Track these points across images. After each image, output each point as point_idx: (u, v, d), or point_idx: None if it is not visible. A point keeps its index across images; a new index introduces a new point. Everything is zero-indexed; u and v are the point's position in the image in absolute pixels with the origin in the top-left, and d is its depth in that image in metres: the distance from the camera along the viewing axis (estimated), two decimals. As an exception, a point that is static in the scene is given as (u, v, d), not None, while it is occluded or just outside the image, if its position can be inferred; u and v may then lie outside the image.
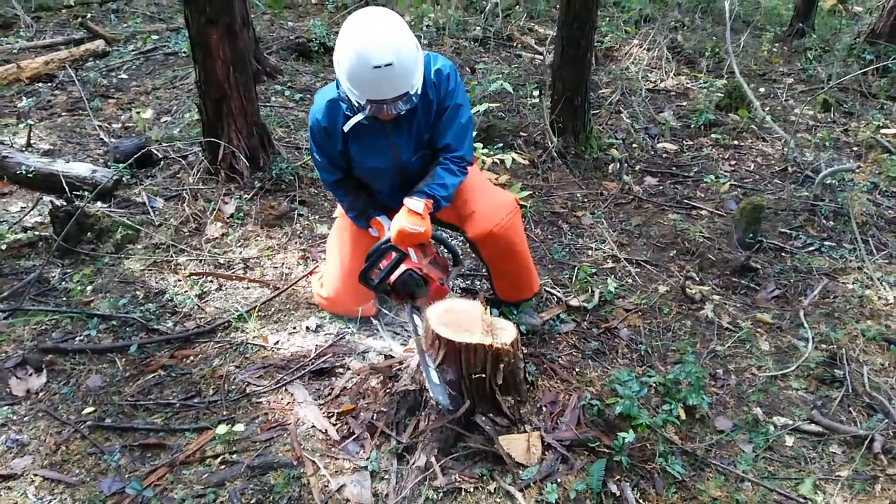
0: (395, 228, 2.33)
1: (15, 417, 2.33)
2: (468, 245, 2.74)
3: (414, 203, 2.33)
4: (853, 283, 3.30)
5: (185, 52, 6.09)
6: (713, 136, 5.14)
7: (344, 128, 2.31)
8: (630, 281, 3.30)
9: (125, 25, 7.14)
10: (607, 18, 7.82)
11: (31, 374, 2.51)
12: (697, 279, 3.34)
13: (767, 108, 5.62)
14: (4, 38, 6.63)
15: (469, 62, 6.25)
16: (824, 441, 2.38)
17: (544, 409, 2.36)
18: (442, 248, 2.56)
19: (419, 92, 2.19)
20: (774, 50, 7.52)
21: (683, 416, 2.35)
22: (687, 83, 6.31)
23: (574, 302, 3.05)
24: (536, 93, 5.26)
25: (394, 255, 2.35)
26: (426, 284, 2.37)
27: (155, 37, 6.74)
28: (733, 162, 4.80)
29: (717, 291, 3.25)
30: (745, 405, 2.54)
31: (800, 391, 2.63)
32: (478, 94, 5.11)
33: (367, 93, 2.12)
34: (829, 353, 2.80)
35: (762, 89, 6.26)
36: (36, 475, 2.10)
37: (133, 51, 6.36)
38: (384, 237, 2.39)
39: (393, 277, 2.36)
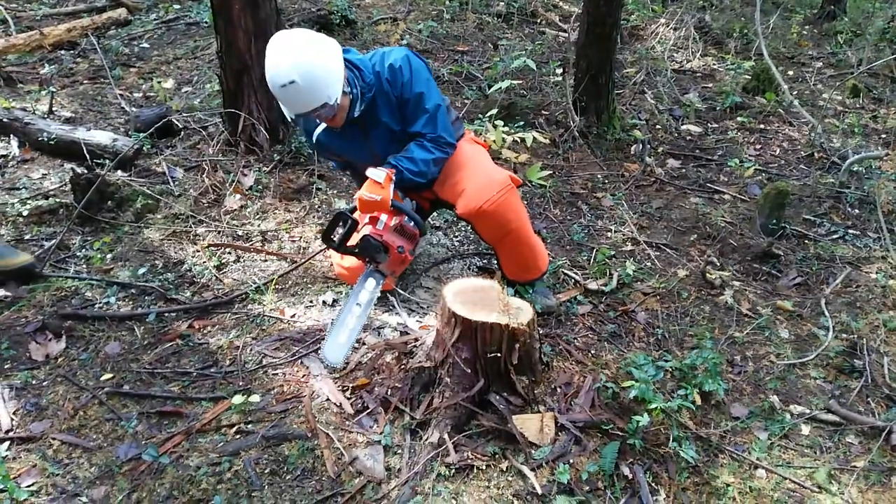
0: (358, 196, 2.45)
1: (34, 382, 2.36)
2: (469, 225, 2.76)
3: (375, 172, 2.44)
4: (876, 273, 3.24)
5: (206, 22, 6.06)
6: (739, 119, 5.05)
7: (313, 136, 2.65)
8: (649, 264, 3.27)
9: (147, -6, 7.11)
10: (634, -4, 7.67)
11: (50, 340, 2.54)
12: (718, 264, 3.29)
13: (795, 92, 5.51)
14: (28, 5, 6.64)
15: (492, 38, 6.17)
16: (841, 431, 2.35)
17: (559, 389, 2.36)
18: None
19: (338, 102, 2.32)
20: (804, 33, 7.36)
21: (699, 402, 2.34)
22: (714, 64, 6.19)
23: (592, 285, 3.02)
24: (560, 71, 5.18)
25: (349, 220, 2.47)
26: (385, 251, 2.46)
27: (177, 6, 6.72)
28: (758, 146, 4.72)
29: (738, 277, 3.21)
30: (762, 393, 2.52)
31: (818, 380, 2.60)
32: (500, 71, 5.06)
33: (287, 108, 2.39)
34: (850, 342, 2.76)
35: (790, 72, 6.13)
36: (54, 439, 2.13)
37: (155, 20, 6.35)
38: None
39: (353, 241, 2.49)
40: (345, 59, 2.39)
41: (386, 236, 2.45)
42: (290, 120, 2.52)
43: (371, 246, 2.43)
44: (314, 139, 2.67)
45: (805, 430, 2.36)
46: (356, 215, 2.54)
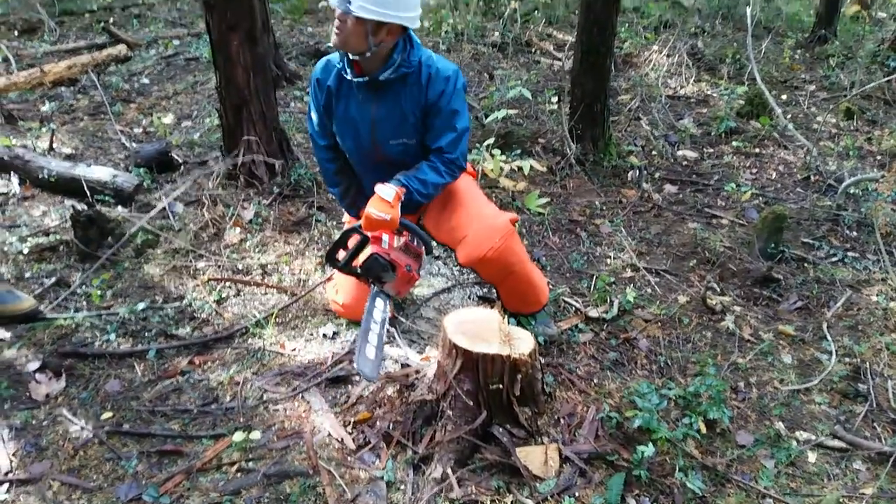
0: (364, 214, 2.38)
1: (34, 422, 2.34)
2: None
3: (384, 190, 2.37)
4: (877, 295, 3.24)
5: (205, 58, 6.15)
6: (734, 143, 5.09)
7: (328, 82, 2.50)
8: (649, 291, 3.27)
9: (147, 30, 7.23)
10: (626, 24, 7.78)
11: (50, 379, 2.52)
12: (718, 289, 3.29)
13: (789, 116, 5.55)
14: (29, 43, 6.73)
15: (487, 68, 6.24)
16: (848, 457, 2.33)
17: (562, 420, 2.34)
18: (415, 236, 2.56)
19: (356, 16, 2.20)
20: (796, 57, 7.44)
21: (704, 430, 2.32)
22: (707, 90, 6.25)
23: (593, 312, 3.02)
24: (555, 99, 5.24)
25: (359, 237, 2.40)
26: (393, 270, 2.39)
27: (176, 42, 6.81)
28: (754, 170, 4.74)
29: (739, 302, 3.21)
30: (767, 419, 2.50)
31: (823, 405, 2.58)
32: (496, 100, 5.10)
33: None
34: (853, 366, 2.75)
35: (784, 96, 6.19)
36: (54, 480, 2.11)
37: (155, 55, 6.43)
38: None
39: (359, 260, 2.41)
40: (409, 34, 2.38)
41: (393, 255, 2.40)
42: None
43: (379, 265, 2.36)
44: (326, 85, 2.53)
45: (812, 457, 2.34)
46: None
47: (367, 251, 2.40)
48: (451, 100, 2.44)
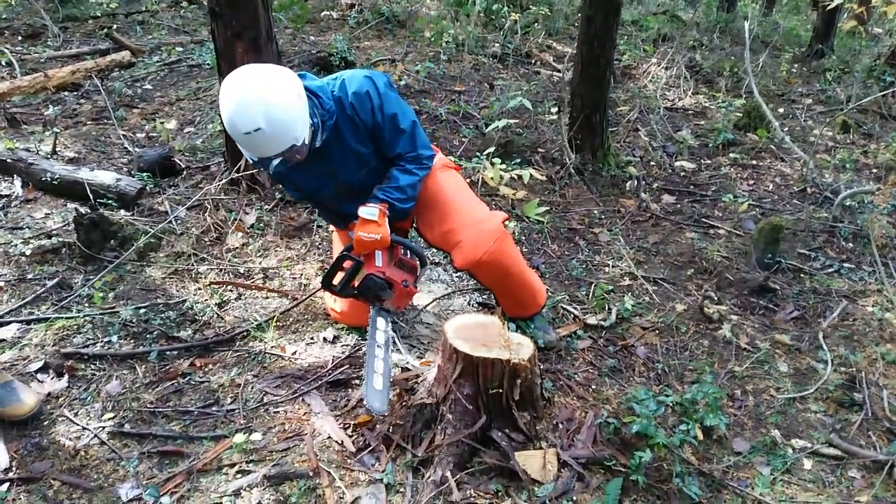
0: (354, 238, 2.38)
1: (35, 421, 2.35)
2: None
3: (368, 211, 2.38)
4: (873, 306, 3.27)
5: (208, 64, 6.18)
6: (731, 155, 5.13)
7: (269, 171, 2.30)
8: (647, 299, 3.29)
9: (150, 37, 7.26)
10: (625, 37, 7.86)
11: (52, 379, 2.54)
12: (715, 298, 3.32)
13: (786, 129, 5.61)
14: (32, 48, 6.77)
15: (488, 78, 6.29)
16: (843, 465, 2.36)
17: (560, 425, 2.36)
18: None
19: (306, 141, 2.19)
20: (793, 70, 7.52)
21: (701, 437, 2.34)
22: (705, 102, 6.31)
23: (591, 320, 3.05)
24: (555, 110, 5.28)
25: (352, 262, 2.42)
26: (390, 287, 2.41)
27: (179, 49, 6.85)
28: (751, 182, 4.79)
29: (735, 311, 3.24)
30: (763, 427, 2.52)
31: (818, 414, 2.61)
32: (496, 110, 5.14)
33: (250, 153, 2.18)
34: (849, 375, 2.78)
35: (781, 109, 6.25)
36: (55, 479, 2.12)
37: (158, 62, 6.47)
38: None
39: (356, 282, 2.43)
40: (307, 89, 2.25)
41: (388, 272, 2.42)
42: (250, 161, 2.28)
43: (375, 284, 2.39)
44: (271, 171, 2.31)
45: (807, 464, 2.36)
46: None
47: (363, 272, 2.41)
48: (385, 109, 2.35)
